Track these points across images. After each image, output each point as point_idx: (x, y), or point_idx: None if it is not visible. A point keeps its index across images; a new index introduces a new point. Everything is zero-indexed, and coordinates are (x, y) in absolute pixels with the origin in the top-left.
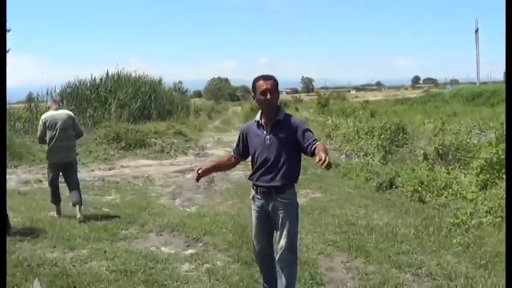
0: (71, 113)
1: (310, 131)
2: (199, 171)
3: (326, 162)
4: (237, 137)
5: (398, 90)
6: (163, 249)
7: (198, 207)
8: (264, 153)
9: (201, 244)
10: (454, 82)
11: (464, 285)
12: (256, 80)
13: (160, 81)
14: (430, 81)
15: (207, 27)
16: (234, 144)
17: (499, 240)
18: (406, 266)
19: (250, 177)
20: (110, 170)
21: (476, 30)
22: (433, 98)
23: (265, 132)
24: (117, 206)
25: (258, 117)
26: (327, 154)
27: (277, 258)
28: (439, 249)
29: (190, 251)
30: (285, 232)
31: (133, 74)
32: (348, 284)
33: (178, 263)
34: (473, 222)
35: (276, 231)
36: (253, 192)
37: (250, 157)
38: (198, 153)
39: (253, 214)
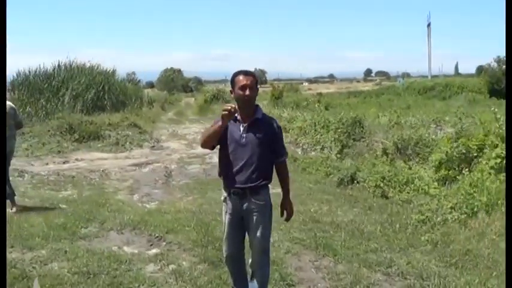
0: (12, 104)
1: (283, 142)
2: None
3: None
4: (190, 129)
5: (351, 83)
6: (125, 248)
7: (158, 203)
8: (238, 151)
9: (164, 243)
10: (406, 75)
11: (437, 285)
12: (236, 74)
13: (114, 71)
14: (382, 74)
15: (159, 17)
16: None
17: (466, 237)
18: (376, 265)
19: (221, 176)
20: (64, 163)
21: (429, 25)
22: (386, 91)
23: (241, 129)
24: (74, 202)
25: None
26: (291, 208)
27: (250, 260)
28: (407, 247)
29: (154, 250)
30: (258, 234)
31: (87, 64)
32: (319, 284)
33: (143, 263)
34: (438, 219)
35: (248, 233)
36: (224, 193)
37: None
38: (154, 146)
39: (225, 217)
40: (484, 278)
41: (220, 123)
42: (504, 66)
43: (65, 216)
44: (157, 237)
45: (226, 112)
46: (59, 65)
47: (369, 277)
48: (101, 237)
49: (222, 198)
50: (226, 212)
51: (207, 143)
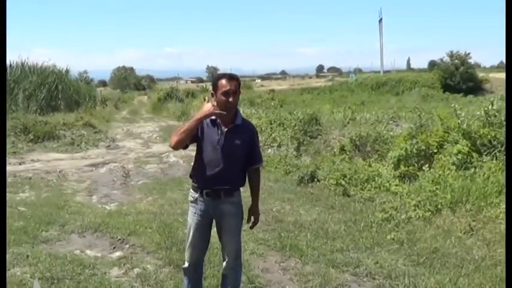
0: None
1: (259, 148)
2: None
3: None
4: (145, 128)
5: (303, 79)
6: (88, 252)
7: (118, 205)
8: (215, 155)
9: (127, 246)
10: (358, 71)
11: (407, 285)
12: (219, 77)
13: (67, 71)
14: (334, 70)
15: (109, 14)
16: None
17: (432, 235)
18: (343, 265)
19: (194, 178)
20: (20, 164)
21: (380, 20)
22: (339, 87)
23: (219, 133)
24: (33, 205)
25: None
26: (258, 215)
27: (224, 265)
28: (373, 246)
29: (117, 253)
30: (233, 237)
31: (39, 64)
32: (288, 286)
33: (107, 267)
34: (402, 217)
35: (222, 236)
36: (195, 194)
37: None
38: (109, 146)
39: (193, 219)
40: (454, 277)
41: (196, 117)
42: (457, 61)
43: (25, 220)
44: (119, 239)
45: (211, 112)
46: (10, 65)
47: (338, 278)
48: (62, 240)
49: (191, 199)
50: (195, 213)
51: (181, 141)
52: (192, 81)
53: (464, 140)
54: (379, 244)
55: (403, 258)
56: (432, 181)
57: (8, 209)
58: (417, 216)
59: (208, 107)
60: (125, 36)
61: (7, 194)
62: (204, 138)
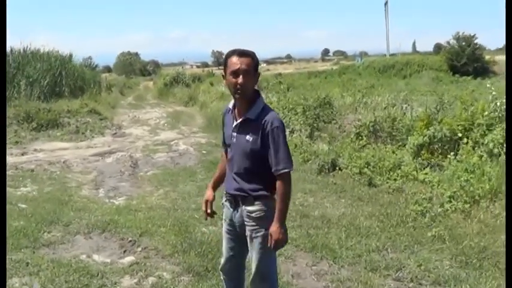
0: None
1: (278, 146)
2: (208, 210)
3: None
4: (152, 114)
5: (308, 63)
6: (95, 257)
7: (127, 199)
8: (231, 151)
9: (139, 249)
10: (364, 54)
11: None
12: (229, 55)
13: (71, 56)
14: (339, 53)
15: None
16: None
17: (476, 232)
18: (384, 269)
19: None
20: (22, 155)
21: (386, 3)
22: (346, 70)
23: (233, 127)
24: (35, 201)
25: (231, 104)
26: (276, 236)
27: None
28: (412, 244)
29: (128, 258)
30: (254, 255)
31: (42, 50)
32: None
33: (117, 276)
34: (439, 210)
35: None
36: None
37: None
38: (115, 133)
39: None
40: None
41: None
42: (463, 43)
43: (25, 219)
44: (130, 241)
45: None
46: (11, 51)
47: (381, 285)
48: (66, 243)
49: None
50: (224, 219)
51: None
52: (198, 66)
53: (500, 126)
54: (419, 242)
55: (449, 258)
56: (466, 170)
57: (7, 206)
58: (453, 209)
59: None
60: (128, 21)
61: (7, 189)
62: (225, 129)
